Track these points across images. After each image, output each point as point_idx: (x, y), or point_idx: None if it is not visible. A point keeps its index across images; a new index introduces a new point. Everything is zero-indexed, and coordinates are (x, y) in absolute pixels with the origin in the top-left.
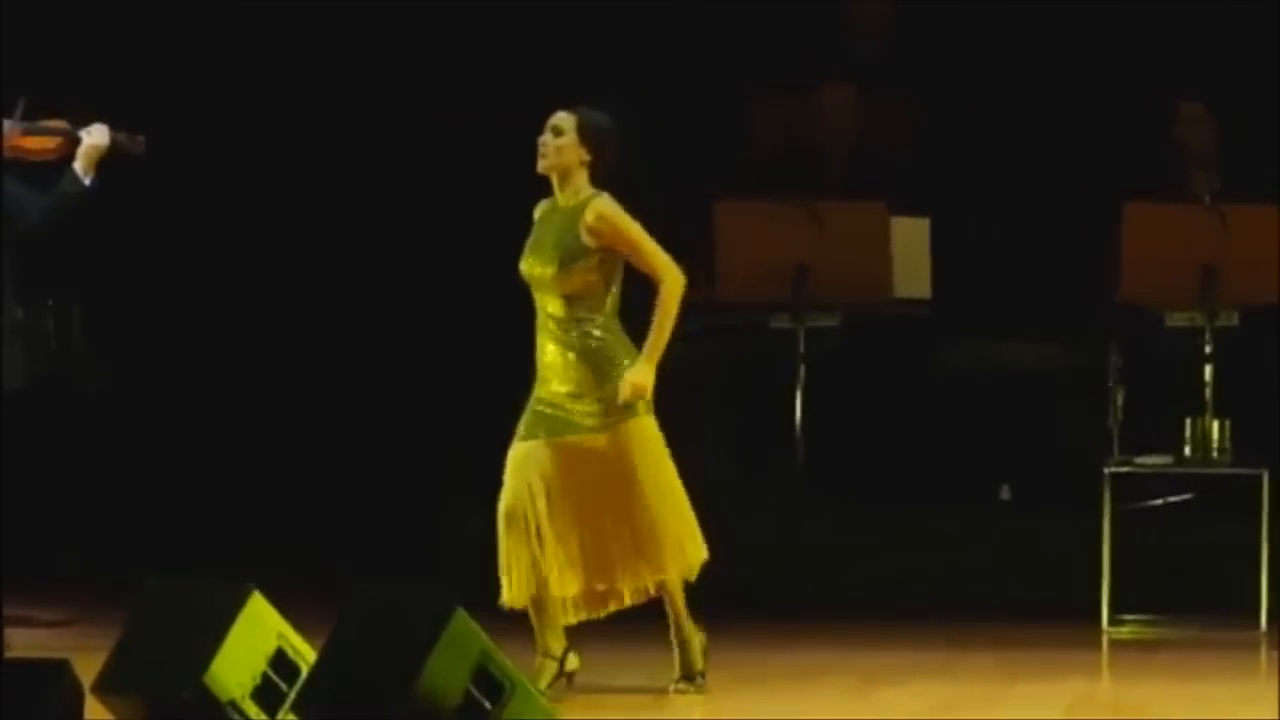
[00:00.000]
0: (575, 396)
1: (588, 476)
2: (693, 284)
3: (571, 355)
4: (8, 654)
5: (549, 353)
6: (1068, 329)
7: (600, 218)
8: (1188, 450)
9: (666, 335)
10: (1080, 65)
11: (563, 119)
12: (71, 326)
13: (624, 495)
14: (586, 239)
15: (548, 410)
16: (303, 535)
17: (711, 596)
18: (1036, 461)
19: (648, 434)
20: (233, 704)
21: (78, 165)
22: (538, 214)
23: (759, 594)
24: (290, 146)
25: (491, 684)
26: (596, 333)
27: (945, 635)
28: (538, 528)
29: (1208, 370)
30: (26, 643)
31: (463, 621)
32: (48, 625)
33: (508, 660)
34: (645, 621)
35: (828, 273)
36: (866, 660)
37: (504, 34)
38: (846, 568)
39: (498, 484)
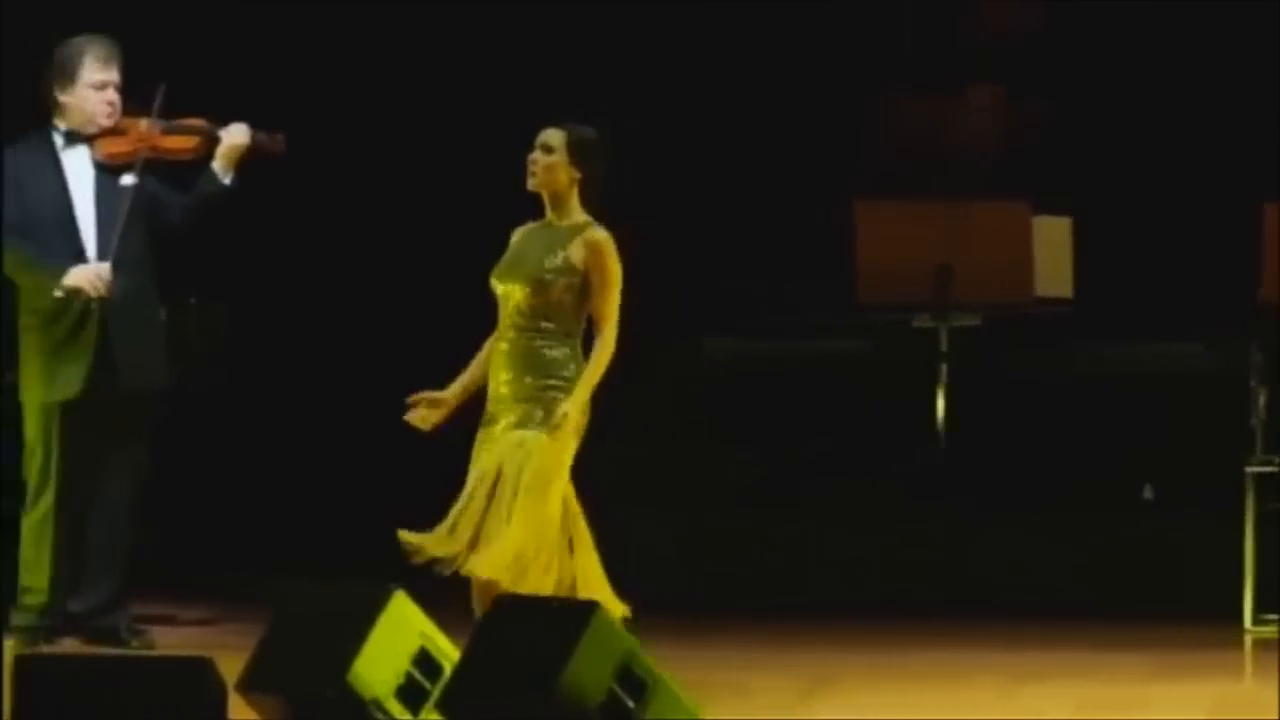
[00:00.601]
0: (518, 399)
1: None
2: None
3: (522, 361)
4: (153, 651)
5: (506, 362)
6: (1209, 329)
7: (595, 243)
8: None
9: (596, 379)
10: (1223, 64)
11: (551, 135)
12: (214, 326)
13: (503, 491)
14: (576, 258)
15: (489, 419)
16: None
17: (858, 595)
18: (1179, 461)
19: (557, 454)
20: (376, 702)
21: (217, 165)
22: (517, 235)
23: (902, 593)
24: (427, 148)
25: (635, 682)
26: (555, 346)
27: (1088, 635)
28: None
29: None
30: (170, 641)
31: (606, 620)
32: (190, 624)
33: (651, 658)
34: (780, 620)
35: (969, 272)
36: (1012, 660)
37: (627, 31)
38: (989, 567)
39: None
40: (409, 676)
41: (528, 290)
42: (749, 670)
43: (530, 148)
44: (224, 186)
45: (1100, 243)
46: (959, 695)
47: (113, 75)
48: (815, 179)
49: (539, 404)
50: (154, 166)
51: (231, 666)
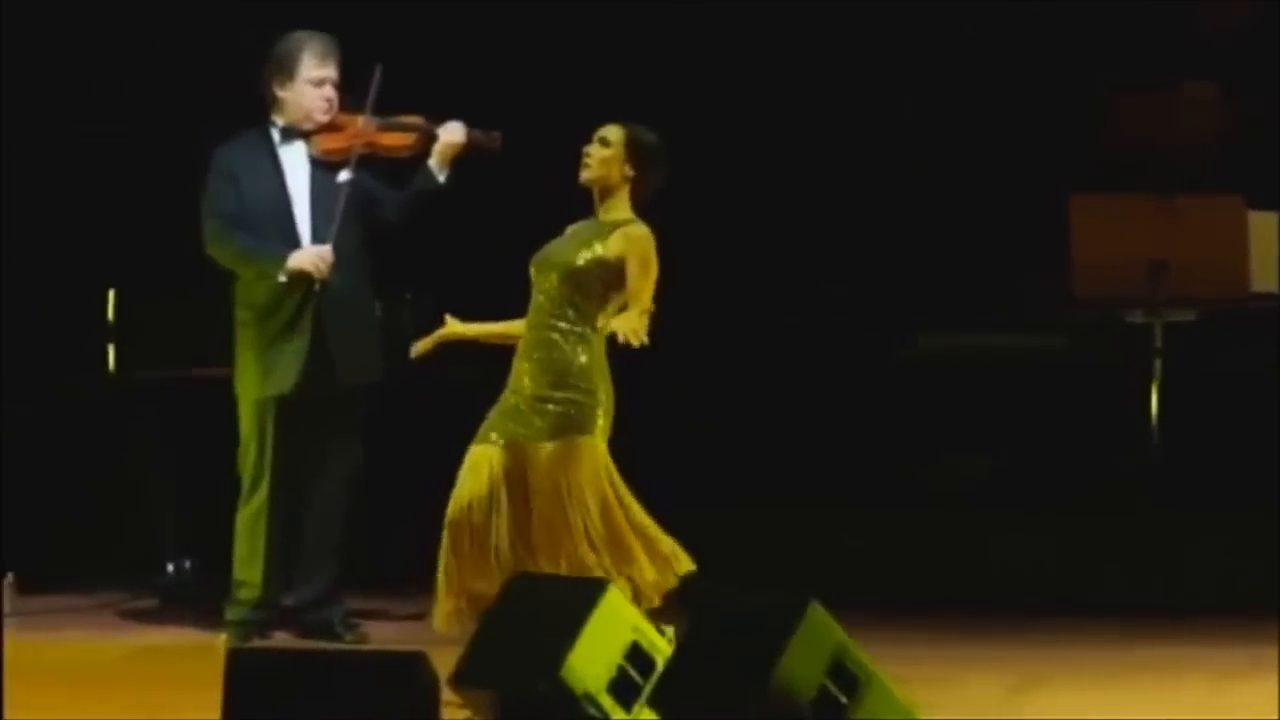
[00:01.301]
0: (538, 399)
1: (532, 482)
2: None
3: (545, 356)
4: (367, 645)
5: (526, 349)
6: None
7: (635, 236)
8: None
9: (627, 322)
10: None
11: (611, 131)
12: (428, 320)
13: (560, 510)
14: (612, 251)
15: (510, 409)
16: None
17: (1068, 593)
18: None
19: (594, 454)
20: (588, 697)
21: (433, 162)
22: (569, 229)
23: (1113, 590)
24: None
25: (847, 678)
26: (574, 344)
27: None
28: (478, 539)
29: None
30: (383, 636)
31: (818, 615)
32: (403, 619)
33: (864, 654)
34: (989, 617)
35: (1184, 267)
36: (1220, 656)
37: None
38: (1200, 564)
39: None
40: (621, 671)
41: (559, 278)
42: (956, 667)
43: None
44: (439, 184)
45: None
46: (1169, 692)
47: (330, 72)
48: (1032, 173)
49: (566, 412)
50: (368, 162)
51: (444, 661)
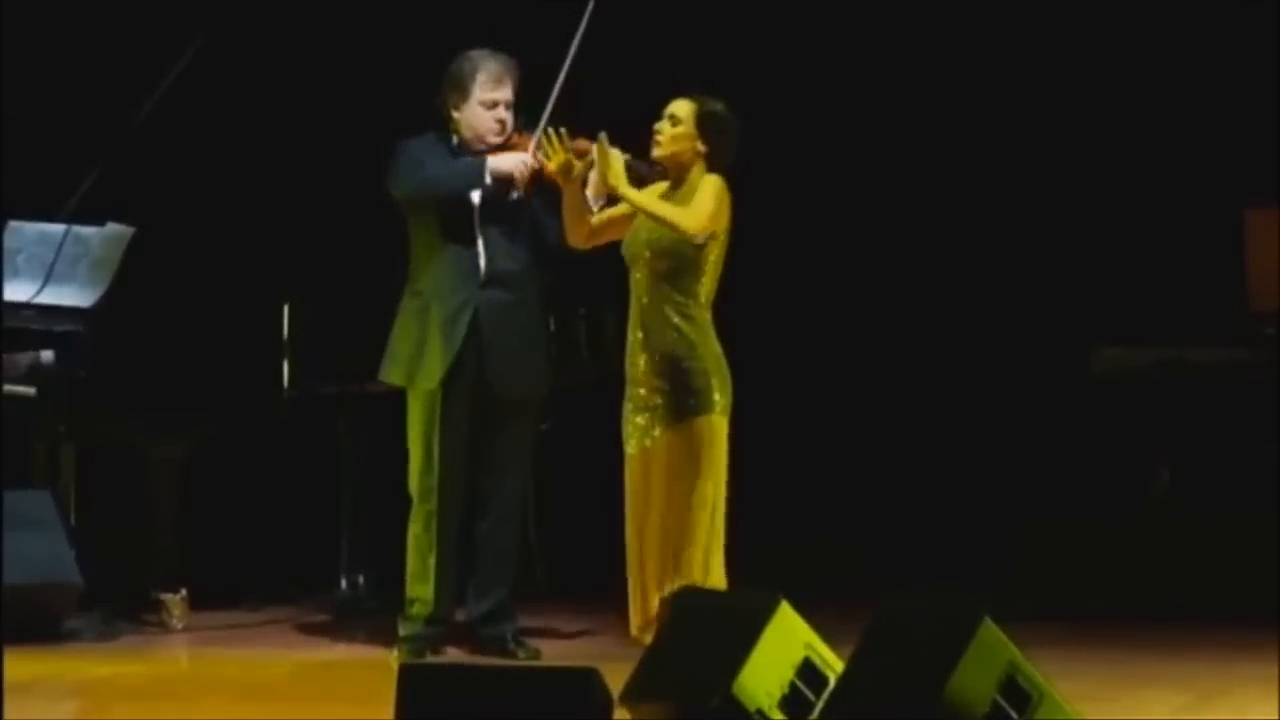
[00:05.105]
0: (655, 390)
1: (652, 481)
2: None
3: (658, 343)
4: (540, 662)
5: (639, 339)
6: None
7: (703, 184)
8: None
9: (653, 208)
10: None
11: (680, 107)
12: (605, 333)
13: (674, 497)
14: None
15: (632, 410)
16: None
17: (1249, 604)
18: None
19: (713, 432)
20: (760, 713)
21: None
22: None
23: None
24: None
25: (1019, 694)
26: (682, 322)
27: None
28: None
29: None
30: (554, 652)
31: (990, 631)
32: (572, 636)
33: (1036, 670)
34: (1167, 630)
35: None
36: None
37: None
38: None
39: None
40: (793, 687)
41: (653, 257)
42: (1130, 682)
43: None
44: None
45: None
46: None
47: (504, 94)
48: (1210, 184)
49: (682, 398)
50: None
51: (616, 677)
